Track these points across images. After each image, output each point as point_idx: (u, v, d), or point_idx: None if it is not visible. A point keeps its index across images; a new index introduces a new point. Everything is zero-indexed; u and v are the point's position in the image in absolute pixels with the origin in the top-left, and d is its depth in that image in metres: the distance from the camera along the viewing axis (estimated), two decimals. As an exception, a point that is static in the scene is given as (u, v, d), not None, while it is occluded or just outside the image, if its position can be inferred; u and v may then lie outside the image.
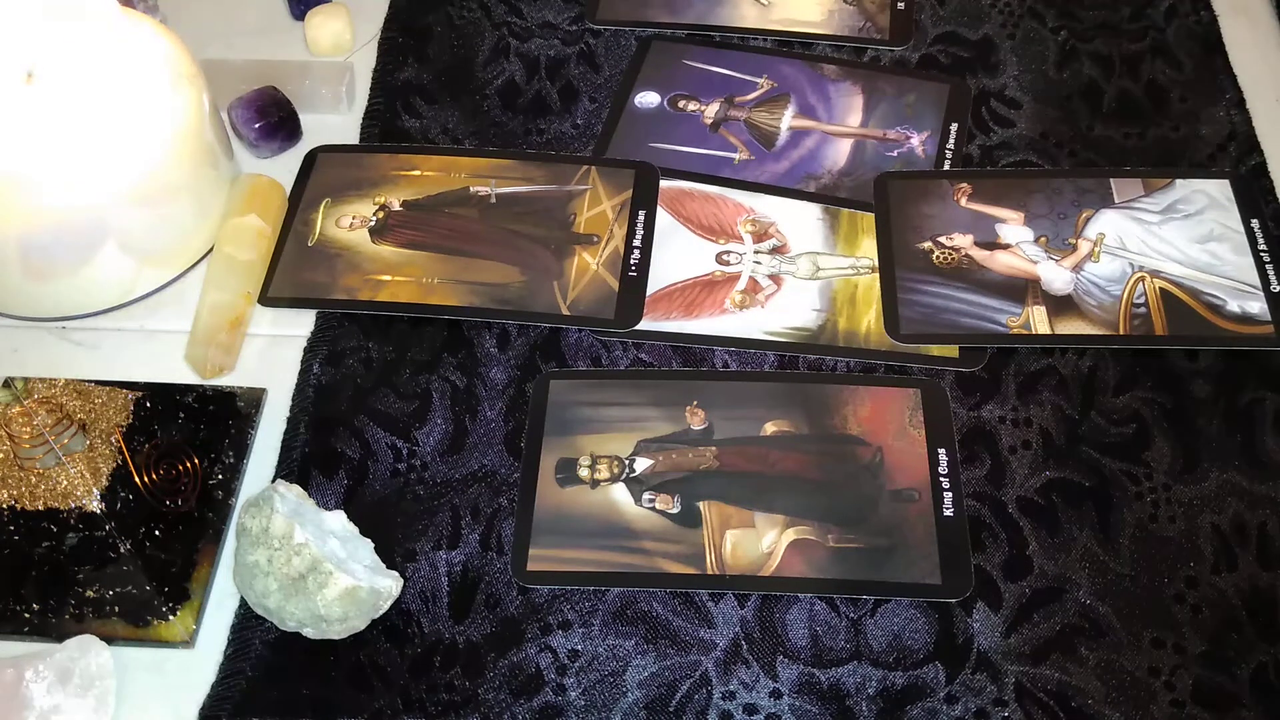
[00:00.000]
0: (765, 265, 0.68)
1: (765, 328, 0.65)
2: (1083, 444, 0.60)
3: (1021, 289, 0.66)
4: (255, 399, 0.63)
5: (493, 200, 0.71)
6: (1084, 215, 0.69)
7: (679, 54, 0.79)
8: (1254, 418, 0.61)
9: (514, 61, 0.79)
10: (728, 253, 0.68)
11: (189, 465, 0.59)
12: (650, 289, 0.67)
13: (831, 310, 0.66)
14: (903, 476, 0.59)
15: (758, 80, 0.77)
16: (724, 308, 0.66)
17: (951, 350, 0.64)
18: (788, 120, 0.75)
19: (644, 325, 0.65)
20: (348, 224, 0.70)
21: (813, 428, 0.61)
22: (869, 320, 0.65)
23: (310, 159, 0.74)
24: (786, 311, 0.66)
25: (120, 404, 0.58)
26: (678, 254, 0.68)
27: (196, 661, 0.55)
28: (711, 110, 0.75)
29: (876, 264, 0.67)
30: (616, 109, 0.76)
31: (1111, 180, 0.70)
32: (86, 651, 0.54)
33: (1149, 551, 0.56)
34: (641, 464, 0.60)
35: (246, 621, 0.56)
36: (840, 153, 0.73)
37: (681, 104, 0.76)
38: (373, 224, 0.70)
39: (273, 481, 0.59)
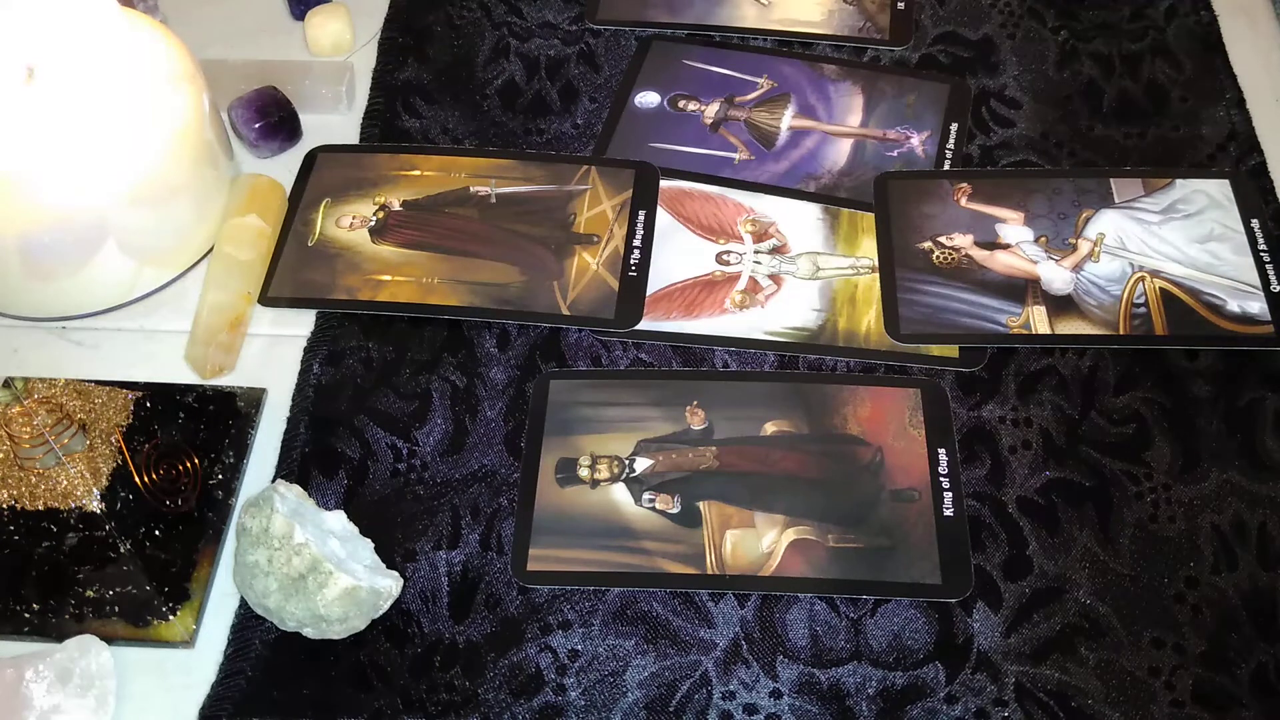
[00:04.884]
0: (765, 265, 0.68)
1: (765, 328, 0.65)
2: (1083, 444, 0.60)
3: (1021, 289, 0.66)
4: (255, 399, 0.63)
5: (493, 200, 0.71)
6: (1084, 215, 0.69)
7: (679, 54, 0.79)
8: (1254, 418, 0.61)
9: (514, 61, 0.79)
10: (728, 253, 0.68)
11: (189, 465, 0.59)
12: (650, 289, 0.67)
13: (831, 310, 0.66)
14: (903, 476, 0.59)
15: (758, 80, 0.77)
16: (724, 308, 0.66)
17: (951, 350, 0.64)
18: (787, 120, 0.75)
19: (644, 325, 0.65)
20: (348, 224, 0.70)
21: (813, 428, 0.61)
22: (869, 320, 0.65)
23: (310, 159, 0.74)
24: (786, 311, 0.65)
25: (120, 404, 0.58)
26: (678, 254, 0.68)
27: (196, 661, 0.55)
28: (711, 110, 0.75)
29: (876, 264, 0.67)
30: (617, 109, 0.76)
31: (1111, 180, 0.70)
32: (86, 651, 0.54)
33: (1149, 551, 0.56)
34: (641, 464, 0.60)
35: (246, 621, 0.56)
36: (840, 153, 0.73)
37: (682, 104, 0.76)
38: (373, 224, 0.70)
39: (273, 481, 0.59)
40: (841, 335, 0.64)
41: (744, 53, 0.79)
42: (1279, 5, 0.80)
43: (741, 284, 0.67)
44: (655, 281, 0.67)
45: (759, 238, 0.69)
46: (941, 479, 0.59)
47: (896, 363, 0.63)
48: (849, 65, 0.78)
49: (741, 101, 0.76)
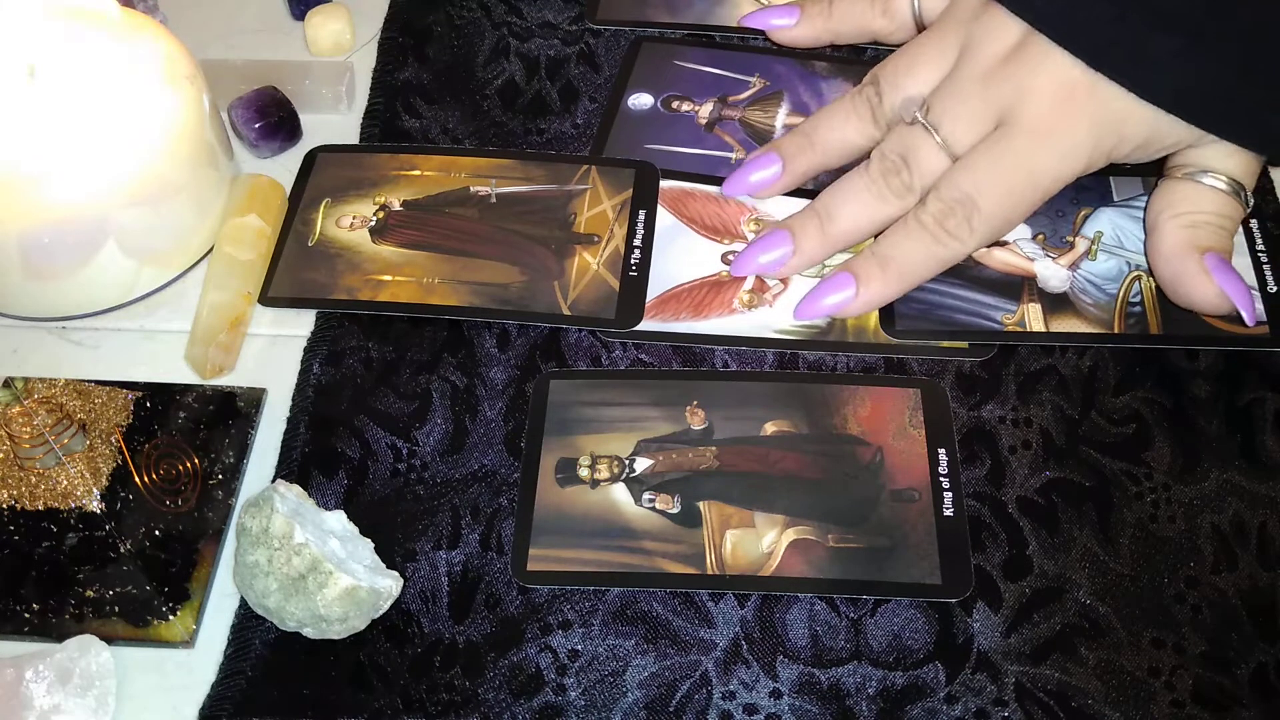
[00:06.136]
0: (767, 265, 0.68)
1: (774, 326, 0.65)
2: (1083, 444, 0.60)
3: (1017, 286, 0.66)
4: (255, 399, 0.63)
5: (493, 200, 0.71)
6: (1082, 213, 0.69)
7: (670, 54, 0.79)
8: (1254, 418, 0.61)
9: (514, 61, 0.79)
10: (733, 252, 0.68)
11: (189, 465, 0.59)
12: (658, 290, 0.67)
13: (837, 307, 0.66)
14: (903, 476, 0.59)
15: (749, 79, 0.77)
16: (732, 307, 0.66)
17: (960, 341, 0.64)
18: (782, 118, 0.75)
19: (653, 326, 0.65)
20: (348, 224, 0.70)
21: (813, 428, 0.61)
22: (876, 315, 0.65)
23: (310, 159, 0.74)
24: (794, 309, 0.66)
25: (120, 404, 0.58)
26: (683, 255, 0.68)
27: (196, 661, 0.55)
28: (705, 110, 0.75)
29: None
30: (610, 111, 0.76)
31: (1110, 178, 0.70)
32: (86, 651, 0.54)
33: (1149, 551, 0.57)
34: (641, 464, 0.60)
35: (246, 621, 0.56)
36: (839, 152, 0.73)
37: (675, 104, 0.76)
38: (373, 224, 0.70)
39: (273, 481, 0.59)
40: (850, 331, 0.65)
41: (735, 51, 0.79)
42: None
43: (748, 283, 0.67)
44: (662, 282, 0.67)
45: (759, 237, 0.69)
46: (941, 479, 0.59)
47: (907, 355, 0.63)
48: (841, 62, 0.78)
49: (735, 101, 0.76)
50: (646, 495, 0.59)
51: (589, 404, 0.62)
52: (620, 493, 0.59)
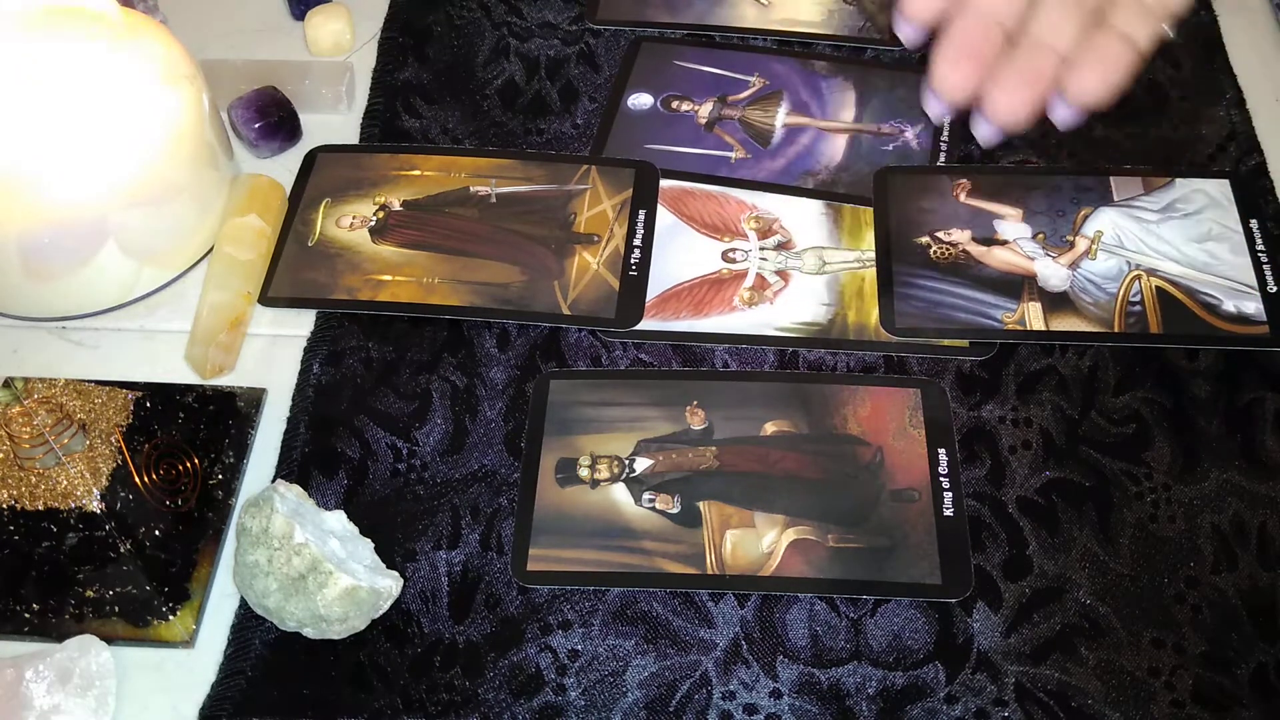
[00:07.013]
0: (771, 261, 0.68)
1: (775, 324, 0.65)
2: (1083, 444, 0.60)
3: (1018, 285, 0.66)
4: (255, 399, 0.63)
5: (493, 200, 0.71)
6: (1083, 213, 0.69)
7: (669, 54, 0.79)
8: (1254, 418, 0.61)
9: (514, 61, 0.79)
10: (733, 250, 0.68)
11: (189, 465, 0.59)
12: (659, 288, 0.67)
13: (840, 304, 0.66)
14: (903, 476, 0.59)
15: (749, 79, 0.77)
16: (733, 305, 0.66)
17: (961, 340, 0.64)
18: (781, 118, 0.75)
19: (654, 325, 0.65)
20: (348, 224, 0.70)
21: (813, 428, 0.61)
22: (879, 313, 0.65)
23: (310, 159, 0.74)
24: (796, 307, 0.66)
25: (120, 404, 0.58)
26: (683, 253, 0.68)
27: (196, 661, 0.55)
28: (705, 110, 0.75)
29: (878, 259, 0.68)
30: (610, 112, 0.76)
31: (1111, 178, 0.70)
32: (86, 651, 0.54)
33: (1149, 551, 0.57)
34: (641, 464, 0.60)
35: (246, 621, 0.56)
36: (836, 148, 0.73)
37: (675, 104, 0.76)
38: (373, 224, 0.70)
39: (273, 481, 0.59)
40: (851, 329, 0.65)
41: (734, 51, 0.79)
42: (1279, 5, 0.80)
43: (749, 281, 0.67)
44: (663, 281, 0.67)
45: (763, 234, 0.69)
46: (941, 479, 0.59)
47: (907, 354, 0.63)
48: (840, 61, 0.78)
49: (734, 100, 0.76)
50: (646, 495, 0.59)
51: (589, 404, 0.62)
52: (620, 493, 0.59)
